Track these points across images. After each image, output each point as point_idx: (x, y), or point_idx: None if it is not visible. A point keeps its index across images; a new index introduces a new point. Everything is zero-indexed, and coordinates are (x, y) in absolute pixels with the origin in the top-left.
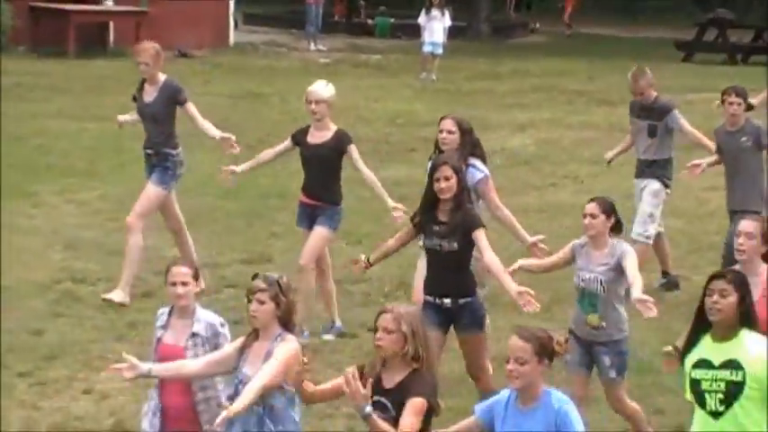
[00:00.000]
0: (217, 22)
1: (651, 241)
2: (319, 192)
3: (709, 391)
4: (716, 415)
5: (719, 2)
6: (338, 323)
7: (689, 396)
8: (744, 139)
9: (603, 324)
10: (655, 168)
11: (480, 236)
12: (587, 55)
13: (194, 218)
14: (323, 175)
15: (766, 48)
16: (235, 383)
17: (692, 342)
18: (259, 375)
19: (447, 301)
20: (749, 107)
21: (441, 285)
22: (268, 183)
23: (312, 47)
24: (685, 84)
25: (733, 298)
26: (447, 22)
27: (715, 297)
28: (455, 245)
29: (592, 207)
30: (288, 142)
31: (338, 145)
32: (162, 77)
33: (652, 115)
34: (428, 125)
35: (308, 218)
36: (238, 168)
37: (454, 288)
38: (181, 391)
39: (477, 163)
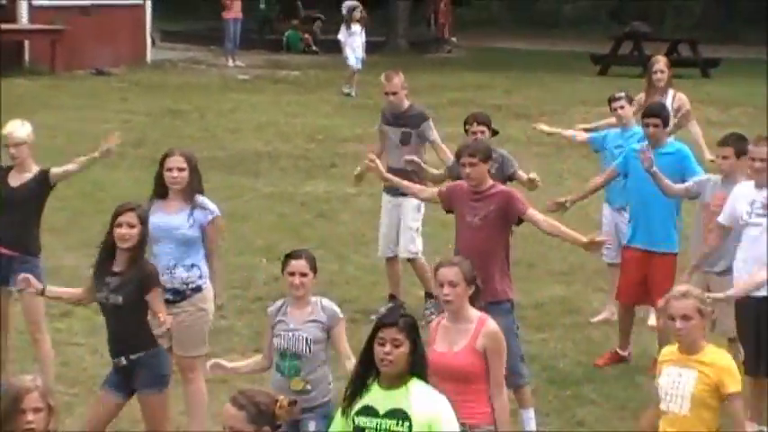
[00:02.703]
0: (134, 39)
1: (420, 254)
2: (17, 240)
3: None
4: None
5: (633, 15)
6: None
7: None
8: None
9: (309, 387)
10: (407, 181)
11: (155, 297)
12: (504, 69)
13: None
14: (22, 220)
15: (681, 60)
16: None
17: (358, 388)
18: None
19: (122, 359)
20: (494, 133)
21: (115, 343)
22: None
23: (231, 63)
24: (602, 97)
25: (405, 348)
26: (363, 37)
27: (387, 347)
28: (120, 299)
29: (301, 266)
30: None
31: (39, 188)
32: None
33: (406, 122)
34: (348, 141)
35: (2, 270)
36: None
37: (126, 344)
38: None
39: (206, 202)
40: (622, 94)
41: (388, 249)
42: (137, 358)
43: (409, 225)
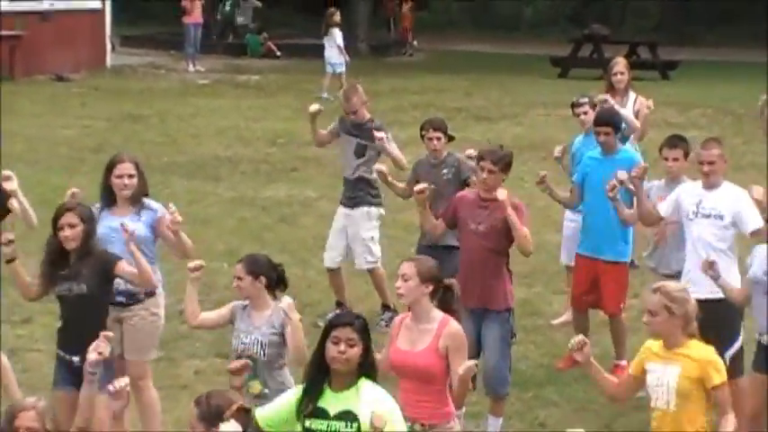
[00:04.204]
0: (93, 44)
1: (379, 263)
2: None
3: None
4: None
5: (593, 18)
6: None
7: None
8: (445, 171)
9: (266, 391)
10: (360, 191)
11: (122, 267)
12: (465, 72)
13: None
14: None
15: (641, 63)
16: None
17: (314, 391)
18: None
19: (76, 358)
20: (450, 138)
21: (73, 340)
22: None
23: (191, 68)
24: (561, 99)
25: (359, 348)
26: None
27: (342, 347)
28: (84, 287)
29: (237, 269)
30: None
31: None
32: None
33: (364, 135)
34: (309, 144)
35: None
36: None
37: (84, 344)
38: None
39: (151, 203)
40: (585, 99)
41: (331, 260)
42: None
43: (363, 236)
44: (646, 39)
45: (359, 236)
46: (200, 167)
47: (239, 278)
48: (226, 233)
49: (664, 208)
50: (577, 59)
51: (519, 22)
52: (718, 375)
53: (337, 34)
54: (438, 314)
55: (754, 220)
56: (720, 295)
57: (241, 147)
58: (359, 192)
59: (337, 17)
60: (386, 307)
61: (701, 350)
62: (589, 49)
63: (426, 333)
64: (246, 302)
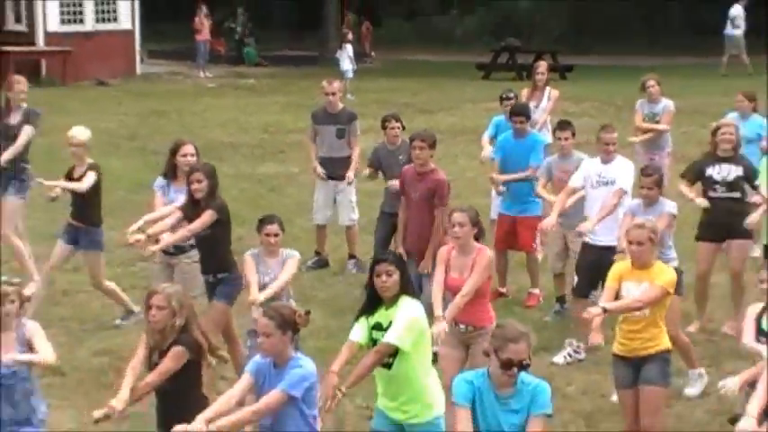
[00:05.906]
0: (126, 57)
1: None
2: (82, 216)
3: None
4: (388, 366)
5: (509, 33)
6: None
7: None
8: (401, 157)
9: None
10: (343, 166)
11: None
12: (411, 76)
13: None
14: (84, 201)
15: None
16: None
17: (370, 310)
18: None
19: None
20: (403, 127)
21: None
22: None
23: (202, 75)
24: (485, 96)
25: (396, 276)
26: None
27: (383, 278)
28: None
29: (274, 228)
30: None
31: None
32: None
33: (341, 120)
34: (293, 132)
35: (73, 235)
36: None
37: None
38: None
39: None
40: (512, 94)
41: (323, 218)
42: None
43: (350, 199)
44: (549, 49)
45: (347, 199)
46: (209, 150)
47: (276, 234)
48: (229, 200)
49: (575, 180)
50: (497, 65)
51: (452, 37)
52: (669, 286)
53: (349, 48)
54: (475, 246)
55: (622, 183)
56: (615, 243)
57: (240, 134)
58: (345, 165)
59: (350, 36)
60: (352, 256)
61: (664, 270)
62: (506, 57)
63: (470, 262)
64: (256, 251)
